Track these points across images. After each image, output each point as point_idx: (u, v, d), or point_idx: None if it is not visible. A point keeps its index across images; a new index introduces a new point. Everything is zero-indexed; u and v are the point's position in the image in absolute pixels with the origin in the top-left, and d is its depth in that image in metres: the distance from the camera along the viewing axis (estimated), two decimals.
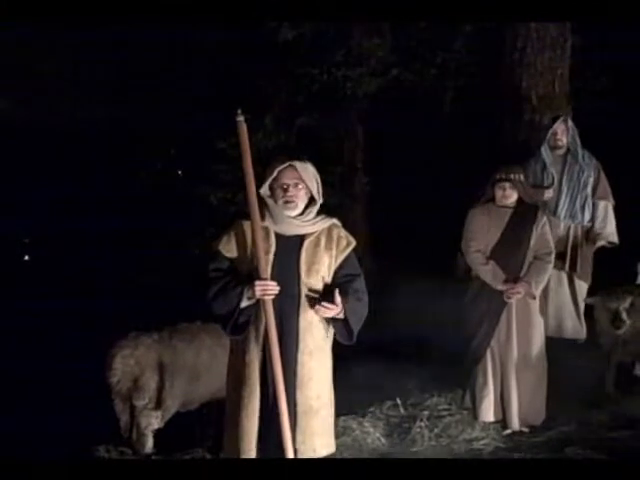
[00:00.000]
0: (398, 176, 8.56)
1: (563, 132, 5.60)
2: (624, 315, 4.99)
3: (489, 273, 4.81)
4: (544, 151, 5.60)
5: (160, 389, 4.59)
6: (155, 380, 4.57)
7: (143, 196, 9.18)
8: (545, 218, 4.98)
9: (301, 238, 3.38)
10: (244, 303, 3.26)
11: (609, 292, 5.18)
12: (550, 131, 5.63)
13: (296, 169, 3.34)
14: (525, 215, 4.86)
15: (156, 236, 8.83)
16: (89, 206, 9.57)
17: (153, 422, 4.59)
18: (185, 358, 4.68)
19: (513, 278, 4.79)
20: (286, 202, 3.34)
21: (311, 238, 3.39)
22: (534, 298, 4.84)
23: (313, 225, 3.40)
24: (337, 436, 4.39)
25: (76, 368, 5.51)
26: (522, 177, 4.91)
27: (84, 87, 9.00)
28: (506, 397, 4.82)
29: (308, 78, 7.74)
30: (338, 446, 4.31)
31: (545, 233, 4.91)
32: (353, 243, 3.47)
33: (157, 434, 4.62)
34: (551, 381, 4.89)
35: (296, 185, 3.34)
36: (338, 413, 4.54)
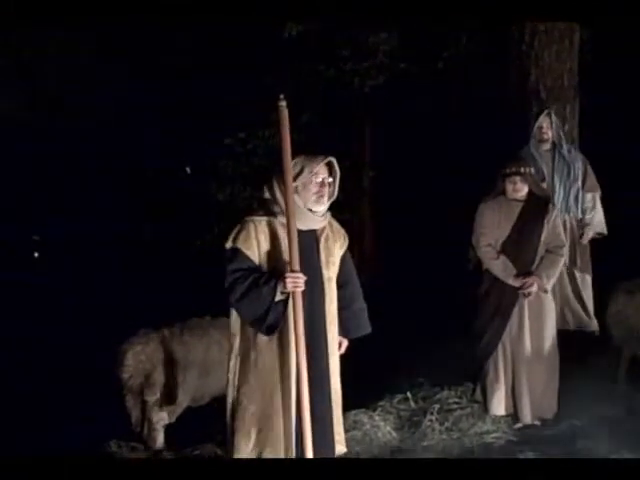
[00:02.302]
0: (405, 170, 8.56)
1: (548, 126, 5.61)
2: None
3: (500, 267, 4.80)
4: (532, 145, 5.61)
5: (171, 384, 4.61)
6: (166, 376, 4.59)
7: (151, 194, 9.22)
8: (556, 211, 4.98)
9: (314, 232, 3.42)
10: (277, 298, 3.24)
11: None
12: (536, 125, 5.63)
13: (333, 165, 3.38)
14: (536, 208, 4.85)
15: (164, 233, 8.86)
16: (97, 204, 9.61)
17: (164, 417, 4.62)
18: (196, 353, 4.70)
19: (524, 272, 4.78)
20: (320, 197, 3.36)
21: (324, 232, 3.45)
22: (546, 292, 4.83)
23: (325, 219, 3.46)
24: (348, 430, 4.44)
25: (88, 364, 5.55)
26: (532, 170, 4.91)
27: (90, 87, 9.03)
28: (517, 391, 4.81)
29: (315, 73, 7.74)
30: (349, 440, 4.34)
31: (556, 226, 4.90)
32: (347, 235, 3.58)
33: (168, 429, 4.65)
34: (562, 374, 4.88)
35: (329, 181, 3.38)
36: (349, 407, 4.60)
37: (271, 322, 3.24)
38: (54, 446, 4.52)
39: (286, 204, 3.23)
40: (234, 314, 3.41)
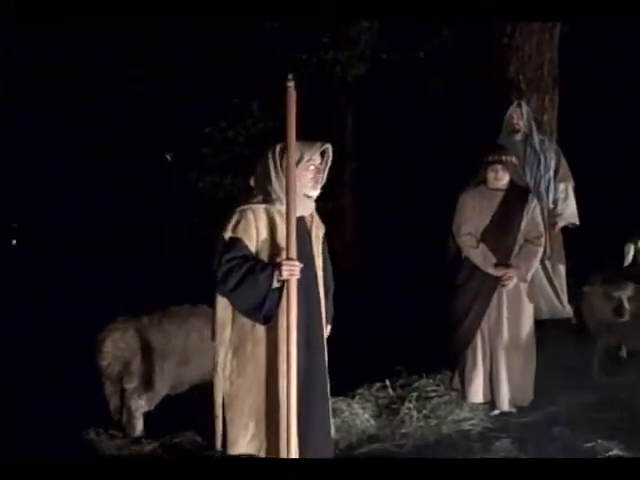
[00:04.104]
0: (387, 160, 8.58)
1: (519, 117, 5.63)
2: (627, 304, 5.03)
3: (479, 256, 4.83)
4: (502, 136, 5.64)
5: (150, 372, 4.60)
6: (145, 363, 4.58)
7: (132, 181, 9.17)
8: (536, 201, 5.02)
9: (304, 221, 3.42)
10: (274, 285, 3.19)
11: (610, 280, 5.23)
12: (506, 116, 5.66)
13: (326, 151, 3.37)
14: (516, 198, 4.88)
15: (146, 222, 8.83)
16: (76, 193, 9.56)
17: (143, 405, 4.61)
18: (175, 341, 4.69)
19: (504, 262, 4.82)
20: (316, 182, 3.36)
21: (313, 221, 3.47)
22: (525, 282, 4.87)
23: (313, 205, 3.45)
24: None
25: (66, 352, 5.53)
26: (514, 159, 4.93)
27: (75, 80, 8.97)
28: (495, 378, 4.85)
29: (297, 62, 7.72)
30: None
31: (535, 216, 4.94)
32: (323, 224, 3.59)
33: (147, 417, 4.65)
34: (538, 362, 4.94)
35: (325, 167, 3.39)
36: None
37: (268, 311, 3.20)
38: (32, 434, 4.51)
39: (287, 188, 3.16)
40: (222, 304, 3.33)
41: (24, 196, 9.72)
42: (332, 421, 3.56)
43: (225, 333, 3.34)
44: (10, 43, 8.27)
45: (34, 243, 10.02)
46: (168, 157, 8.88)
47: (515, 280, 4.80)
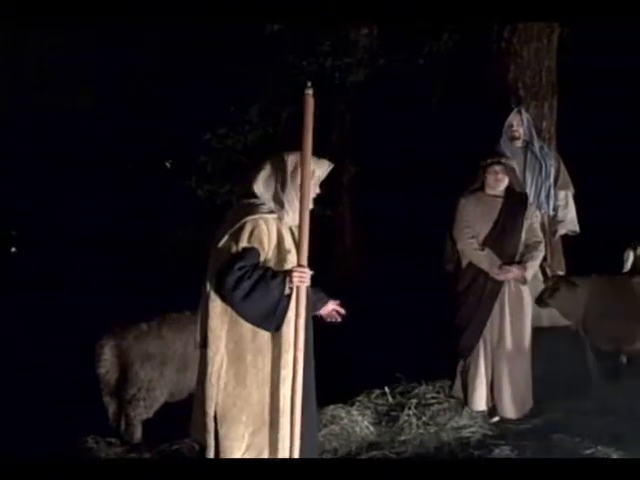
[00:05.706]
0: (386, 166, 8.58)
1: (518, 124, 5.64)
2: (545, 295, 5.15)
3: (486, 259, 4.82)
4: (502, 143, 5.63)
5: (149, 380, 4.60)
6: (144, 371, 4.58)
7: (130, 188, 9.17)
8: (534, 207, 5.03)
9: (291, 229, 3.41)
10: (286, 292, 3.17)
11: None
12: (506, 123, 5.66)
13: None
14: (515, 205, 4.90)
15: (144, 229, 8.82)
16: (75, 199, 9.55)
17: (142, 412, 4.61)
18: (174, 348, 4.69)
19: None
20: (317, 195, 3.36)
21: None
22: (525, 283, 4.87)
23: None
24: (325, 425, 4.46)
25: (64, 359, 5.52)
26: (513, 164, 4.95)
27: (72, 81, 8.95)
28: (498, 385, 4.85)
29: (295, 68, 7.72)
30: (326, 435, 4.37)
31: (534, 222, 4.98)
32: None
33: (146, 424, 4.63)
34: (538, 369, 4.93)
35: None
36: (327, 402, 4.62)
37: (279, 319, 3.18)
38: (30, 441, 4.50)
39: (302, 196, 3.16)
40: (217, 313, 3.25)
41: (22, 200, 9.69)
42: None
43: (221, 342, 3.27)
44: (9, 44, 8.27)
45: (32, 247, 10.00)
46: (167, 164, 8.88)
47: (511, 275, 4.78)
